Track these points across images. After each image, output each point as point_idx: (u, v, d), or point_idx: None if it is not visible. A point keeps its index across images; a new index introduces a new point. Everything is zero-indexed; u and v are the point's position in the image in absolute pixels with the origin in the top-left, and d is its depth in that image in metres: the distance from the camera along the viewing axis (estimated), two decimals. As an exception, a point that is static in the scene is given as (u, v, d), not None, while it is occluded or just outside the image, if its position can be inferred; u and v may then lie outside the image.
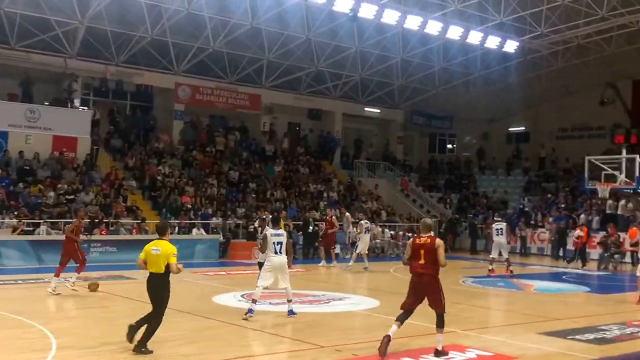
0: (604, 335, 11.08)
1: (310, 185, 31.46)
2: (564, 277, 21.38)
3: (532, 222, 32.12)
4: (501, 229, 20.96)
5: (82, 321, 11.68)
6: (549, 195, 34.69)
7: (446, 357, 9.18)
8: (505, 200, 35.97)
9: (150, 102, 31.03)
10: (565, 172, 36.34)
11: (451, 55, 32.36)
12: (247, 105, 32.22)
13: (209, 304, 13.49)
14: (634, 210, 28.23)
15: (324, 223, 24.63)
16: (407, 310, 9.52)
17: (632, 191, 24.41)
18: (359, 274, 20.71)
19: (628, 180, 22.62)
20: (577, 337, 10.87)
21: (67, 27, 25.98)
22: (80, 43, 26.75)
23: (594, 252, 26.17)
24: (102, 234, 21.80)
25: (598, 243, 25.22)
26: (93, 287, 14.62)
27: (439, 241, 9.40)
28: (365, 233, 21.66)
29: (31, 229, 21.08)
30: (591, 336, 10.95)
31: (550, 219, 30.75)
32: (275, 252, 11.92)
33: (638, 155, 22.91)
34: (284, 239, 12.12)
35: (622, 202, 28.61)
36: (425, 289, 9.41)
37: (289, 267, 12.72)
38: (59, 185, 23.87)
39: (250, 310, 11.70)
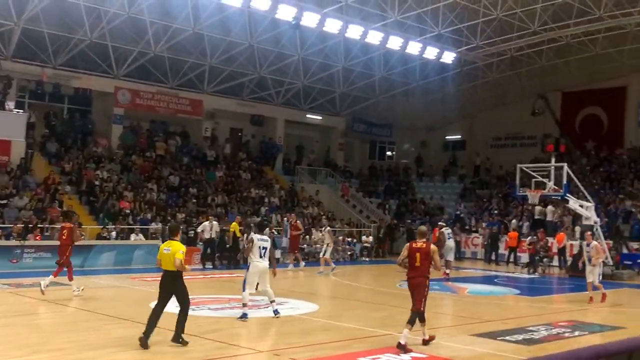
0: (532, 336, 11.49)
1: (252, 191, 31.56)
2: (495, 280, 22.17)
3: (467, 227, 33.13)
4: (450, 233, 22.02)
5: (13, 329, 11.26)
6: (484, 201, 35.82)
7: (407, 352, 9.75)
8: (441, 206, 36.91)
9: (88, 105, 30.50)
10: (499, 179, 37.51)
11: (391, 64, 33.05)
12: (188, 111, 32.05)
13: (146, 310, 13.20)
14: (561, 216, 29.53)
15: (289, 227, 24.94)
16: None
17: (559, 198, 25.45)
18: (297, 278, 20.94)
19: (556, 188, 23.38)
20: (507, 338, 11.25)
21: (1, 28, 25.35)
22: (16, 45, 26.11)
23: (524, 256, 27.30)
24: (36, 239, 21.32)
25: (528, 247, 26.27)
26: None
27: (433, 247, 10.63)
28: (328, 237, 22.61)
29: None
30: (520, 337, 11.34)
31: (484, 224, 31.81)
32: (261, 257, 12.34)
33: (566, 164, 23.88)
34: (269, 245, 12.57)
35: (551, 208, 29.90)
36: (414, 288, 10.45)
37: (274, 274, 13.01)
38: (-8, 190, 23.26)
39: (244, 315, 12.11)
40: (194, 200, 28.60)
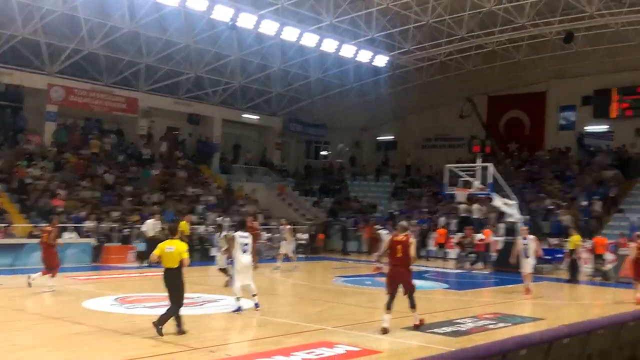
0: (459, 328, 11.90)
1: (189, 189, 31.65)
2: (425, 275, 22.99)
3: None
4: (387, 232, 22.95)
5: None
6: (414, 200, 36.92)
7: (422, 328, 11.39)
8: (374, 204, 37.87)
9: (20, 102, 29.80)
10: (428, 178, 38.58)
11: (327, 66, 33.71)
12: (124, 109, 31.80)
13: (79, 309, 13.11)
14: (486, 213, 30.90)
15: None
16: (391, 294, 11.57)
17: (485, 196, 26.64)
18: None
19: (482, 186, 24.28)
20: (436, 330, 11.61)
21: None
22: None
23: (452, 252, 28.48)
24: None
25: (456, 243, 27.35)
26: None
27: (412, 239, 11.74)
28: (288, 235, 23.63)
29: None
30: (448, 329, 11.74)
31: (414, 222, 32.86)
32: (244, 252, 13.00)
33: (491, 164, 24.98)
34: (249, 240, 13.24)
35: (477, 206, 31.26)
36: (399, 277, 11.61)
37: (255, 267, 13.69)
38: None
39: (239, 308, 12.74)
40: (129, 199, 28.50)
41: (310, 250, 31.38)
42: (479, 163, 25.12)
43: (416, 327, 11.37)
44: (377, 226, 24.29)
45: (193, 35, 29.14)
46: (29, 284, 15.53)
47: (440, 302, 16.64)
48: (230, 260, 14.36)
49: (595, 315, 12.15)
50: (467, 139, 38.17)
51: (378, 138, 43.62)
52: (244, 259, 13.03)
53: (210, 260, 23.56)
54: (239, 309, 12.80)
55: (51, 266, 15.69)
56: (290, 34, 28.37)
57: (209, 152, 36.14)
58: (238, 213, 30.81)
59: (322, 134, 41.89)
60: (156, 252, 10.72)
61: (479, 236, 26.56)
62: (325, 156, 43.86)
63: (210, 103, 35.31)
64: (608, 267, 22.80)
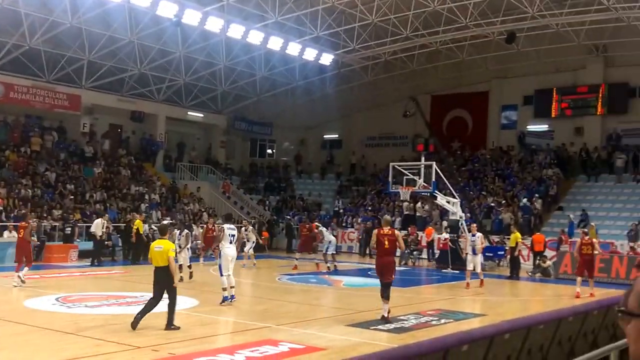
0: (403, 325, 12.14)
1: (132, 188, 31.21)
2: (369, 272, 23.32)
3: (343, 223, 34.54)
4: (329, 230, 23.40)
5: None
6: (359, 198, 37.34)
7: (389, 324, 11.98)
8: (319, 202, 38.15)
9: (-44, 98, 28.87)
10: (373, 176, 39.06)
11: (272, 64, 33.72)
12: (65, 106, 31.03)
13: (20, 309, 12.99)
14: (429, 211, 31.56)
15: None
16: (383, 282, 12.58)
17: (428, 194, 27.15)
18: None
19: (426, 185, 24.60)
20: (380, 327, 11.77)
21: None
22: None
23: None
24: None
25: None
26: None
27: (397, 232, 12.93)
28: (252, 234, 24.35)
29: None
30: (392, 326, 11.93)
31: (359, 220, 33.29)
32: (231, 243, 14.00)
33: (434, 163, 25.45)
34: (236, 233, 14.43)
35: (420, 204, 31.88)
36: (384, 266, 12.61)
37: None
38: None
39: (231, 297, 13.67)
40: (71, 197, 27.94)
41: (255, 249, 31.29)
42: (422, 161, 25.46)
43: (384, 319, 12.00)
44: (317, 223, 24.38)
45: (137, 32, 28.70)
46: (23, 282, 15.89)
47: (384, 299, 16.96)
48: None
49: (535, 311, 12.45)
50: (411, 138, 38.77)
51: (324, 136, 43.89)
52: (230, 250, 13.92)
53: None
54: (225, 299, 13.72)
55: (29, 260, 16.38)
56: (235, 31, 28.29)
57: (153, 150, 35.70)
58: (183, 211, 30.63)
59: (267, 132, 41.81)
60: (149, 255, 11.45)
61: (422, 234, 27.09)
62: (270, 154, 43.81)
63: (155, 100, 34.85)
64: (548, 263, 23.62)
